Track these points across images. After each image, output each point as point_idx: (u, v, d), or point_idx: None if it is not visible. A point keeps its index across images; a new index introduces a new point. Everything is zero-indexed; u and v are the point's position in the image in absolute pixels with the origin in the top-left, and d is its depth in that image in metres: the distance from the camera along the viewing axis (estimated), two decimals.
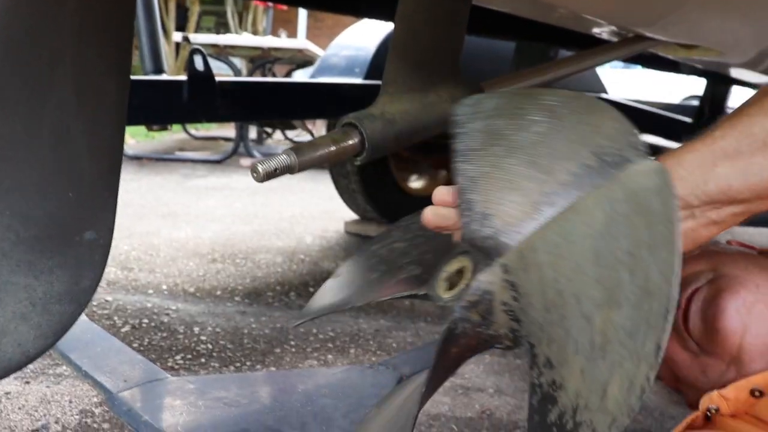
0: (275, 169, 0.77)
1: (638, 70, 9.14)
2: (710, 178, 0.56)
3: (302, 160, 0.80)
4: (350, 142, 0.85)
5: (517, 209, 0.57)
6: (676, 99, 6.88)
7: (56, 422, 1.43)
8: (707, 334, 0.83)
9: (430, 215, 0.65)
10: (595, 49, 1.51)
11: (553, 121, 0.60)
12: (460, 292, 0.59)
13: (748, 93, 1.29)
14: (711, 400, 0.81)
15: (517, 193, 0.58)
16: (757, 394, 0.79)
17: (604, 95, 3.43)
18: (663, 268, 0.47)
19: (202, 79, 1.95)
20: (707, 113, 3.37)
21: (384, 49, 2.73)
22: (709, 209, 0.57)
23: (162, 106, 1.93)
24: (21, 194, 0.61)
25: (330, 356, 1.82)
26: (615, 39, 1.55)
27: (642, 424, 1.54)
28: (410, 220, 0.90)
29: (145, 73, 2.40)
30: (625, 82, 8.16)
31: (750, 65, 1.74)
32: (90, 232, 0.67)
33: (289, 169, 0.79)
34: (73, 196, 0.64)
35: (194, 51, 1.98)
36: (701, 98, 3.51)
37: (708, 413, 0.82)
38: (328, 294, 0.81)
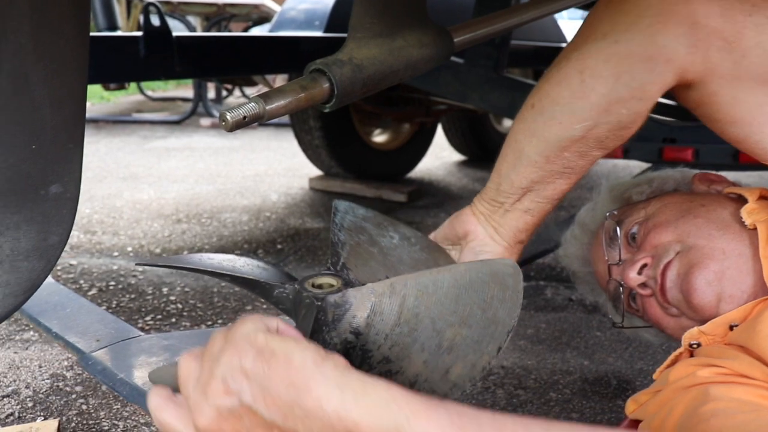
0: (244, 117, 0.75)
1: None
2: (499, 185, 0.83)
3: (271, 108, 0.78)
4: (319, 88, 0.83)
5: (365, 277, 0.77)
6: None
7: (27, 387, 1.40)
8: (686, 306, 0.86)
9: None
10: None
11: (404, 242, 0.84)
12: (329, 291, 0.71)
13: None
14: (692, 335, 0.84)
15: (369, 268, 0.79)
16: (734, 327, 0.81)
17: (563, 45, 3.43)
18: (508, 312, 0.71)
19: (158, 35, 1.90)
20: None
21: (343, 1, 2.68)
22: (515, 203, 0.82)
23: (118, 63, 1.87)
24: None
25: None
26: None
27: (612, 366, 1.58)
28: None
29: (99, 31, 2.33)
30: None
31: None
32: (56, 185, 0.65)
33: (258, 117, 0.76)
34: (37, 147, 0.62)
35: (149, 6, 1.92)
36: None
37: (691, 347, 0.84)
38: (188, 258, 0.84)
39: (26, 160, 0.61)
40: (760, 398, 0.70)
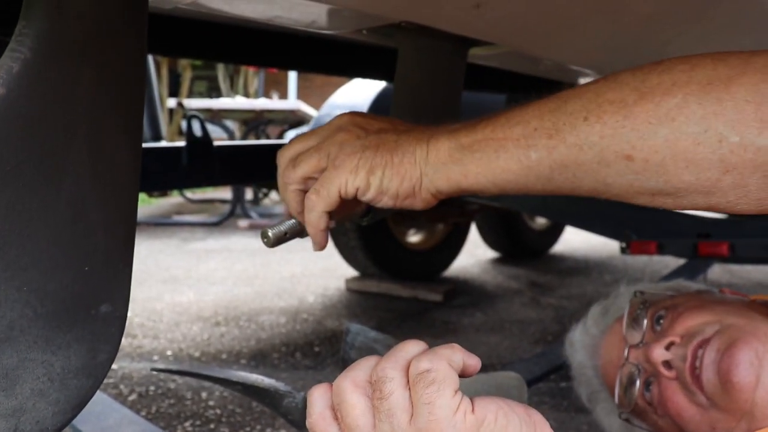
0: (285, 233, 0.78)
1: None
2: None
3: None
4: (356, 205, 0.86)
5: None
6: None
7: None
8: (720, 387, 0.79)
9: None
10: None
11: None
12: None
13: None
14: None
15: None
16: None
17: None
18: None
19: (200, 145, 1.98)
20: None
21: (377, 107, 2.76)
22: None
23: (162, 172, 1.95)
24: (38, 270, 0.61)
25: None
26: None
27: None
28: None
29: (144, 141, 2.44)
30: None
31: None
32: (106, 305, 0.67)
33: (298, 233, 0.79)
34: (89, 269, 0.65)
35: (191, 117, 2.01)
36: None
37: None
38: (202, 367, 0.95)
39: (79, 281, 0.64)
40: None
